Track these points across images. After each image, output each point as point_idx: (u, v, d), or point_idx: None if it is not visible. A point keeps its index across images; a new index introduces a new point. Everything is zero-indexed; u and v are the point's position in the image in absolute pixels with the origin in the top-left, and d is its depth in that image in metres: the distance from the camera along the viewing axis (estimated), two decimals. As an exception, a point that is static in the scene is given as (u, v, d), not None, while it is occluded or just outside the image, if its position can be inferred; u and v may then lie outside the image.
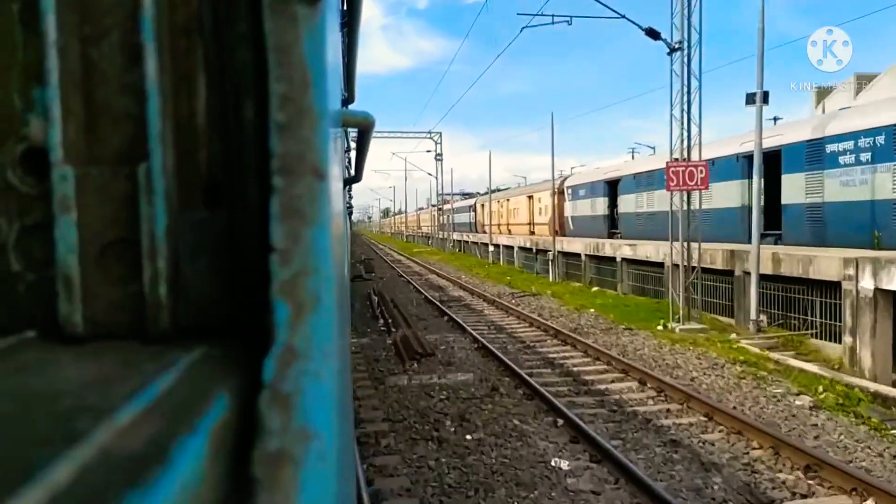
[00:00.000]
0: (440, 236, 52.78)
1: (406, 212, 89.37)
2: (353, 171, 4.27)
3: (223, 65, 0.49)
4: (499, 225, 40.91)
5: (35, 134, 0.47)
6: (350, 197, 10.66)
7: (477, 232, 46.43)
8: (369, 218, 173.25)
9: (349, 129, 3.03)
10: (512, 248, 32.26)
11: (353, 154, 4.61)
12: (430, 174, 50.83)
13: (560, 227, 28.36)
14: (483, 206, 47.33)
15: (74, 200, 0.46)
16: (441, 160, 49.50)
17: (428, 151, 49.09)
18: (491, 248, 35.13)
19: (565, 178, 30.83)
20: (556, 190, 29.00)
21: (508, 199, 41.72)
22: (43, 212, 0.47)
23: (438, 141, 48.74)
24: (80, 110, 0.47)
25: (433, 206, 62.93)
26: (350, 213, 10.59)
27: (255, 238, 0.46)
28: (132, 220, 0.47)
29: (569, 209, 29.18)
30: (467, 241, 44.56)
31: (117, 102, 0.47)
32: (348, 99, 3.46)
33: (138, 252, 0.47)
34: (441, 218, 52.48)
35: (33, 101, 0.47)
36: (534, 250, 27.66)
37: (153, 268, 0.47)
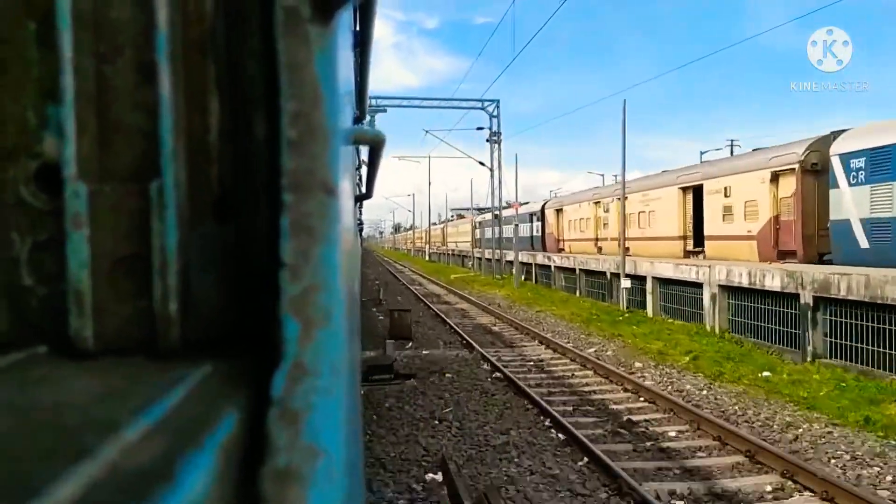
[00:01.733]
0: (490, 256, 35.93)
1: (430, 223, 70.48)
2: (364, 189, 4.10)
3: (235, 82, 0.49)
4: (596, 240, 26.19)
5: (49, 150, 0.48)
6: (361, 213, 9.80)
7: (545, 250, 32.03)
8: (381, 233, 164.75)
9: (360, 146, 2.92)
10: (671, 282, 15.95)
11: (364, 171, 4.49)
12: (481, 163, 33.50)
13: (803, 241, 14.04)
14: (560, 211, 31.89)
15: (87, 216, 0.47)
16: (498, 142, 32.26)
17: (479, 129, 32.97)
18: (625, 285, 17.88)
19: (832, 136, 13.63)
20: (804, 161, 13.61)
21: (626, 198, 20.45)
22: (55, 227, 0.48)
23: (495, 113, 32.25)
24: (94, 127, 0.47)
25: (475, 211, 48.57)
26: (361, 230, 9.81)
27: (264, 254, 0.46)
28: (143, 236, 0.47)
29: (853, 203, 12.45)
30: (548, 267, 27.00)
31: (131, 119, 0.48)
32: (360, 117, 3.36)
33: (149, 268, 0.47)
34: (496, 230, 34.54)
35: (48, 117, 0.48)
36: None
37: (164, 284, 0.47)
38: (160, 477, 0.31)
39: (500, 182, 33.39)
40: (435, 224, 73.92)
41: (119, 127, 0.48)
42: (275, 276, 0.43)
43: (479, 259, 39.36)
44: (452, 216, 74.95)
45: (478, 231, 46.28)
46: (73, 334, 0.47)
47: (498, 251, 34.34)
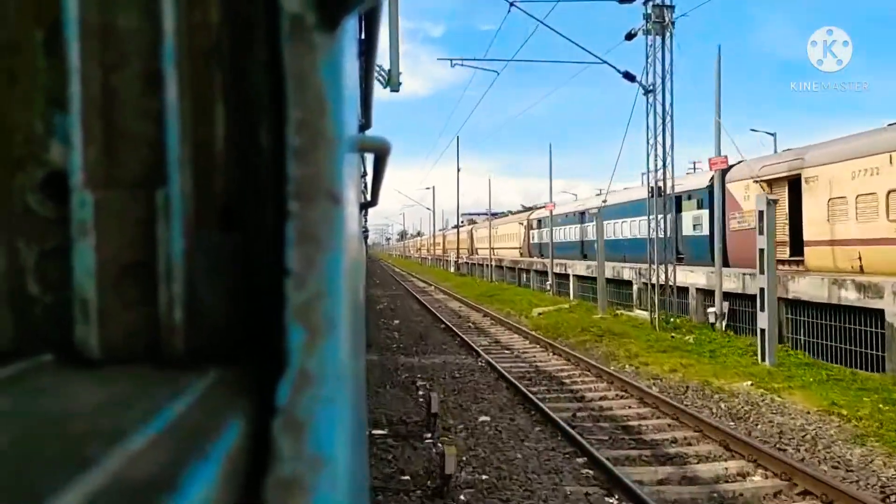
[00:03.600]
0: (582, 272, 22.29)
1: (459, 223, 56.32)
2: (369, 196, 4.07)
3: (241, 90, 0.50)
4: None
5: (56, 159, 0.48)
6: (366, 221, 9.30)
7: (726, 264, 15.26)
8: (388, 239, 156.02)
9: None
10: None
11: (370, 179, 4.50)
12: (627, 75, 16.36)
13: None
14: (785, 182, 14.64)
15: (93, 224, 0.47)
16: (664, 29, 15.68)
17: (625, 1, 15.39)
18: None
19: None
20: None
21: None
22: (61, 236, 0.48)
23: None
24: (101, 135, 0.47)
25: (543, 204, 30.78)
26: (366, 238, 9.19)
27: (270, 261, 0.46)
28: (149, 244, 0.47)
29: None
30: (872, 315, 10.11)
31: (137, 128, 0.48)
32: (365, 124, 3.34)
33: (154, 275, 0.47)
34: (662, 220, 16.57)
35: (55, 126, 0.48)
36: None
37: (169, 291, 0.47)
38: (164, 487, 0.31)
39: (669, 111, 16.13)
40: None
41: (125, 135, 0.48)
42: (280, 284, 0.43)
43: (554, 275, 25.45)
44: (463, 222, 66.77)
45: (536, 233, 32.89)
46: (79, 342, 0.47)
47: (649, 266, 16.36)
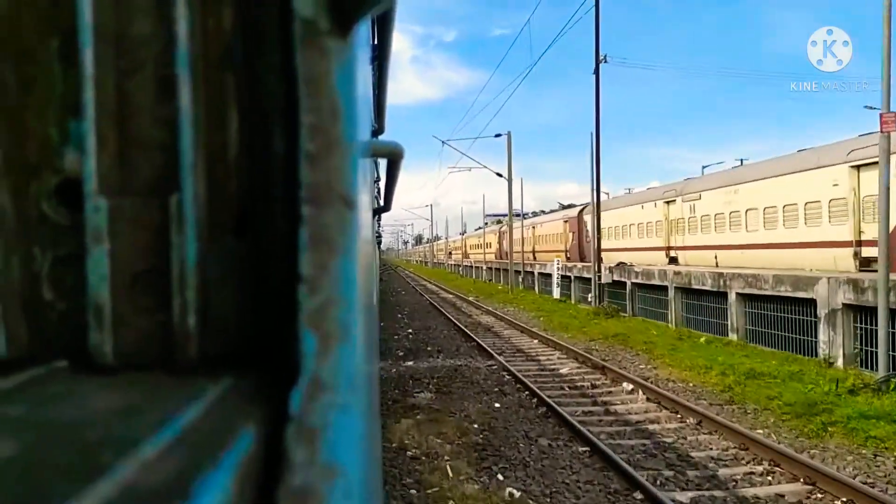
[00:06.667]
0: None
1: (598, 190, 21.87)
2: (382, 201, 4.04)
3: (254, 96, 0.49)
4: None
5: (70, 166, 0.48)
6: (379, 226, 9.21)
7: None
8: (405, 243, 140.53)
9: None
10: None
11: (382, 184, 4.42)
12: None
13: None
14: None
15: (107, 231, 0.47)
16: None
17: None
18: None
19: None
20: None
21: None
22: (76, 242, 0.48)
23: None
24: (115, 142, 0.47)
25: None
26: (379, 243, 9.05)
27: (283, 267, 0.46)
28: (163, 250, 0.47)
29: None
30: None
31: (151, 134, 0.48)
32: (378, 130, 3.28)
33: (168, 282, 0.47)
34: None
35: (69, 133, 0.48)
36: None
37: (182, 298, 0.47)
38: (176, 495, 0.30)
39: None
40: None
41: (139, 141, 0.48)
42: (293, 289, 0.42)
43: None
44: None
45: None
46: (93, 349, 0.47)
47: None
